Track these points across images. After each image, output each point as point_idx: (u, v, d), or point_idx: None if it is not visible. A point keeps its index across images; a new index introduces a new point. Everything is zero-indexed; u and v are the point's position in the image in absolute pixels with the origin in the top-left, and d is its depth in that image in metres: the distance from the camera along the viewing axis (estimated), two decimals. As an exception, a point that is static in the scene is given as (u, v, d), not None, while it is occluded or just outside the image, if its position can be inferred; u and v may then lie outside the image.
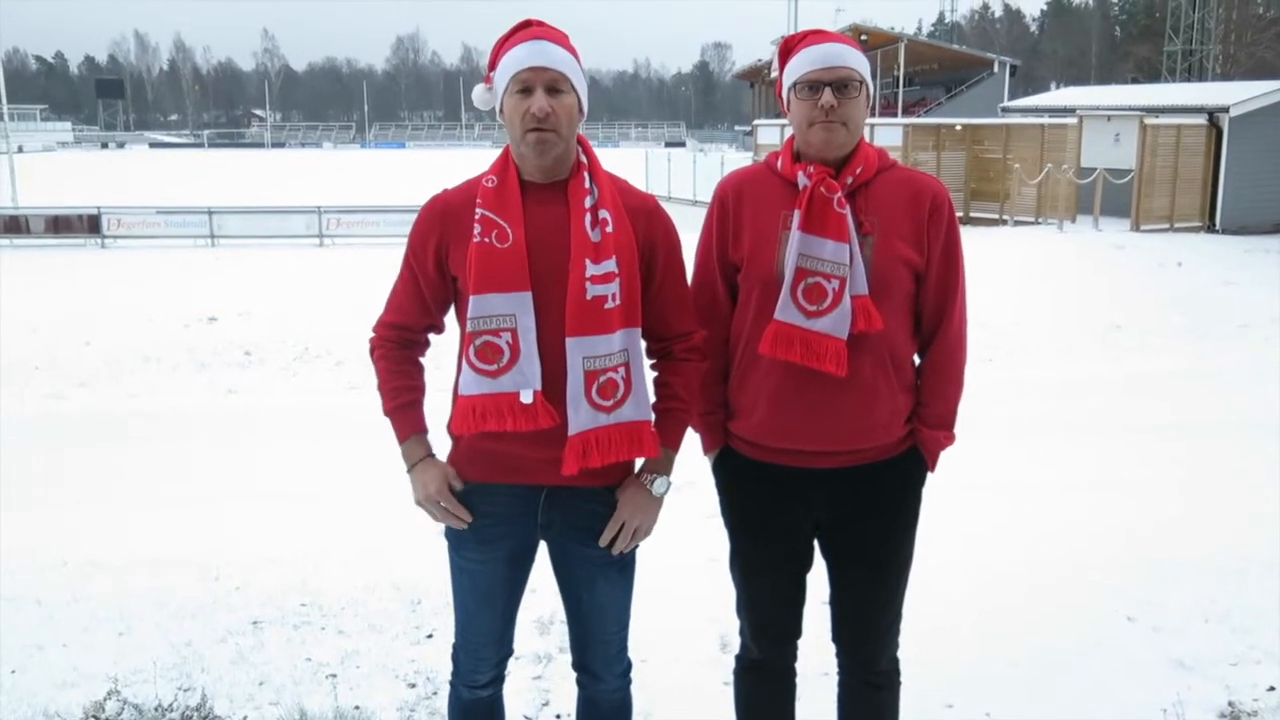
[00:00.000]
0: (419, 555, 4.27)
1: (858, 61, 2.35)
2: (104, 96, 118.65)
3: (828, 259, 2.31)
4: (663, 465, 2.42)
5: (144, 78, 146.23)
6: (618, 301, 2.27)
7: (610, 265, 2.26)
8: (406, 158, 74.51)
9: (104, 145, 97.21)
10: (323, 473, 6.58)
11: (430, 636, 4.04)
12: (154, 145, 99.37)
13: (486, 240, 2.24)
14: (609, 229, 2.27)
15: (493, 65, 2.31)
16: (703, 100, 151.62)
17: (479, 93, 2.36)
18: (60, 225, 24.21)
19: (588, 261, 2.24)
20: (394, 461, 2.46)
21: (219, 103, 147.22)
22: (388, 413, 2.42)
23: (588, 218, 2.27)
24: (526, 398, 2.24)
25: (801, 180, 2.36)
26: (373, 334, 2.46)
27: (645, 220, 2.36)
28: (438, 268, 2.34)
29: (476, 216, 2.26)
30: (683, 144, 75.53)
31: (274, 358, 11.19)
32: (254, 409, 9.06)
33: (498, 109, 2.32)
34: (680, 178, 31.34)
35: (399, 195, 26.15)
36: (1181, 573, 4.59)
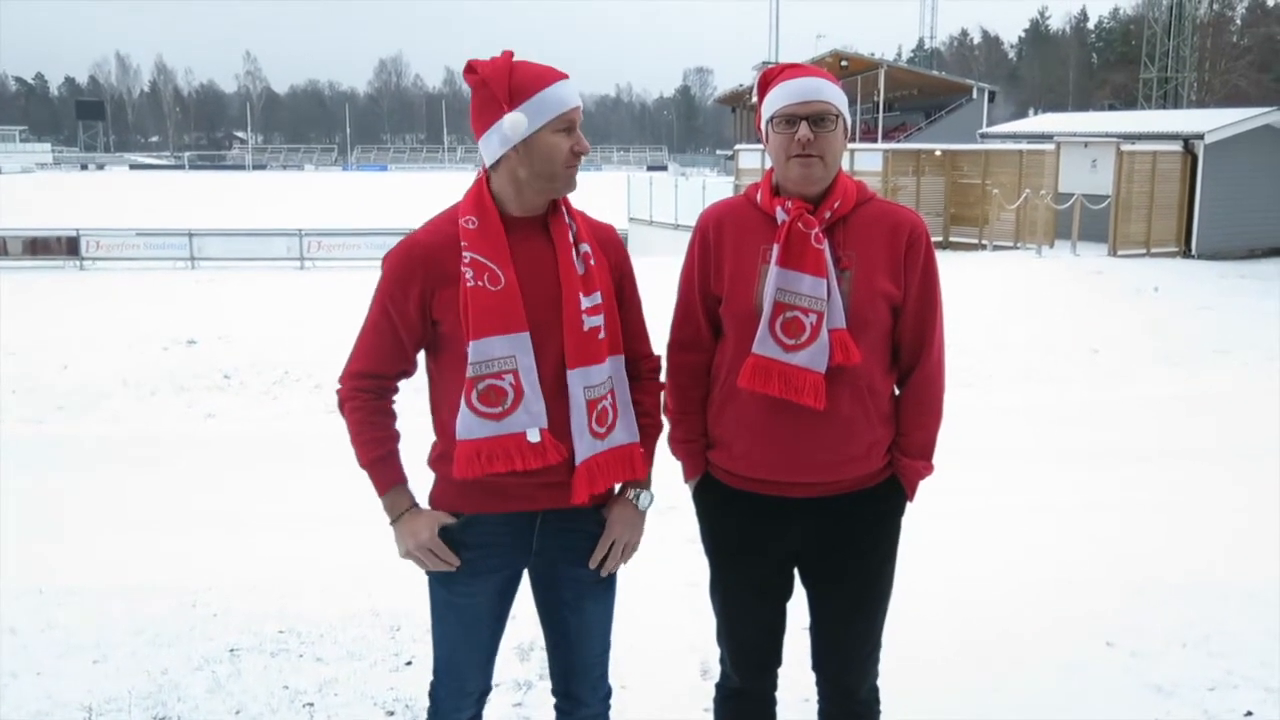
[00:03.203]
0: (398, 582, 4.23)
1: (834, 95, 2.37)
2: (84, 118, 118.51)
3: (805, 293, 2.34)
4: (645, 481, 2.48)
5: (125, 99, 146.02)
6: (605, 331, 2.35)
7: (598, 297, 2.34)
8: (388, 180, 74.61)
9: (84, 167, 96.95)
10: (302, 498, 6.54)
11: (409, 664, 4.01)
12: (134, 167, 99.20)
13: (479, 284, 2.24)
14: (591, 262, 2.34)
15: (517, 101, 2.24)
16: (685, 124, 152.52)
17: (518, 122, 2.24)
18: (38, 247, 24.16)
19: (580, 295, 2.29)
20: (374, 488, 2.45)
21: (200, 125, 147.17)
22: (365, 466, 2.38)
23: (574, 252, 2.32)
24: (533, 436, 2.27)
25: (780, 215, 2.38)
26: (340, 386, 2.40)
27: (613, 250, 2.45)
28: (421, 313, 2.30)
29: (465, 260, 2.25)
30: (665, 168, 75.95)
31: (254, 381, 11.13)
32: (233, 433, 9.00)
33: (518, 140, 2.26)
34: (662, 202, 31.35)
35: (381, 218, 26.16)
36: (1160, 598, 4.61)
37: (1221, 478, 6.88)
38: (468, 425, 2.27)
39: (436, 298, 2.28)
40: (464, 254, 2.25)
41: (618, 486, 2.46)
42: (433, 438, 2.44)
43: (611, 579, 2.51)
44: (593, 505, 2.41)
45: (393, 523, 2.38)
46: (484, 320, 2.23)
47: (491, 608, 2.45)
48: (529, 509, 2.36)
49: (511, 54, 2.30)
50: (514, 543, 2.39)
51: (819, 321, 2.33)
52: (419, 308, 2.30)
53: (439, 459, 2.38)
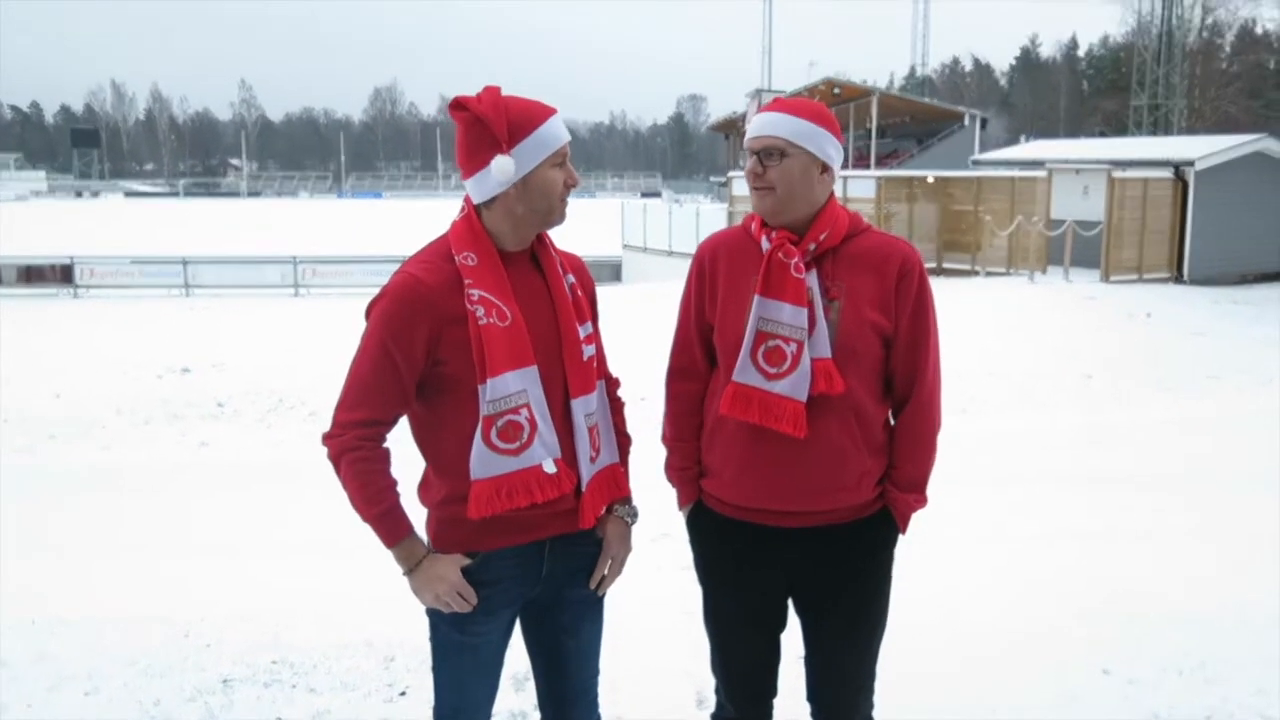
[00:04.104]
0: (392, 612, 4.22)
1: (789, 129, 2.38)
2: (79, 146, 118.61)
3: (786, 322, 2.37)
4: (630, 496, 2.56)
5: (120, 127, 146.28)
6: (595, 359, 2.42)
7: (589, 326, 2.40)
8: (383, 207, 74.68)
9: (79, 194, 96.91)
10: (296, 527, 6.51)
11: (403, 694, 3.99)
12: (129, 194, 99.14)
13: (490, 321, 2.24)
14: (579, 292, 2.40)
15: (516, 139, 2.24)
16: (678, 151, 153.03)
17: (506, 166, 2.23)
18: (33, 275, 24.18)
19: (576, 326, 2.35)
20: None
21: (195, 152, 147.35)
22: (371, 519, 2.29)
23: (564, 283, 2.37)
24: (549, 467, 2.29)
25: (764, 245, 2.42)
26: (335, 437, 2.31)
27: (586, 278, 2.49)
28: (428, 355, 2.25)
29: (474, 298, 2.23)
30: (659, 194, 76.08)
31: (248, 409, 11.11)
32: (227, 462, 8.98)
33: (513, 180, 2.26)
34: (656, 229, 31.48)
35: (375, 245, 26.19)
36: (1156, 625, 4.60)
37: (1215, 503, 6.88)
38: (484, 463, 2.26)
39: (444, 338, 2.24)
40: (470, 291, 2.24)
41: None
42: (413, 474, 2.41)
43: (602, 601, 2.56)
44: (587, 527, 2.44)
45: (409, 572, 2.32)
46: (499, 356, 2.23)
47: (502, 644, 2.46)
48: (539, 538, 2.38)
49: (499, 89, 2.30)
50: (524, 574, 2.40)
51: (799, 350, 2.36)
52: (427, 350, 2.25)
53: (446, 501, 2.33)
